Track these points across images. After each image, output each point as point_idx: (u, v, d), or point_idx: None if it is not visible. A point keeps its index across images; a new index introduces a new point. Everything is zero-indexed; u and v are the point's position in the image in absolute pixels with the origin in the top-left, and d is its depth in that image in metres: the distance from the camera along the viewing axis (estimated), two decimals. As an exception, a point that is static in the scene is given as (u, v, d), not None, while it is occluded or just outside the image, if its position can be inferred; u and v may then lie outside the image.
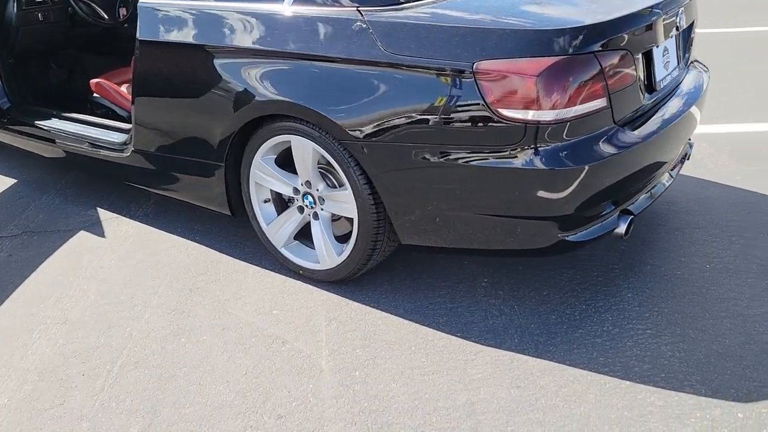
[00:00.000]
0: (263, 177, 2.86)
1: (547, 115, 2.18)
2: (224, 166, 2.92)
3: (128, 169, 3.35)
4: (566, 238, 2.35)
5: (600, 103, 2.26)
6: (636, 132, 2.42)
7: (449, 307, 2.68)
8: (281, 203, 3.02)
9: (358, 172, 2.53)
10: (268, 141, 2.75)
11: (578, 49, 2.18)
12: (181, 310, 2.74)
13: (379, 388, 2.26)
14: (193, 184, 3.09)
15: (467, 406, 2.16)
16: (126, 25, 4.42)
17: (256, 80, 2.63)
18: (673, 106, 2.70)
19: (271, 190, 2.95)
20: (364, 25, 2.39)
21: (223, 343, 2.53)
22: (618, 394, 2.18)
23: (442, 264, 2.97)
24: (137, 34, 3.00)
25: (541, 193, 2.25)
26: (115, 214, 3.59)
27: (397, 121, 2.35)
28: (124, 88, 3.89)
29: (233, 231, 3.35)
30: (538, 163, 2.22)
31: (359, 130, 2.43)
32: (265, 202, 2.97)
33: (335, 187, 2.78)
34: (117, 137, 3.46)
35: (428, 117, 2.30)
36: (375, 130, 2.40)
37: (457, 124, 2.27)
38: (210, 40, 2.74)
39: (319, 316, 2.66)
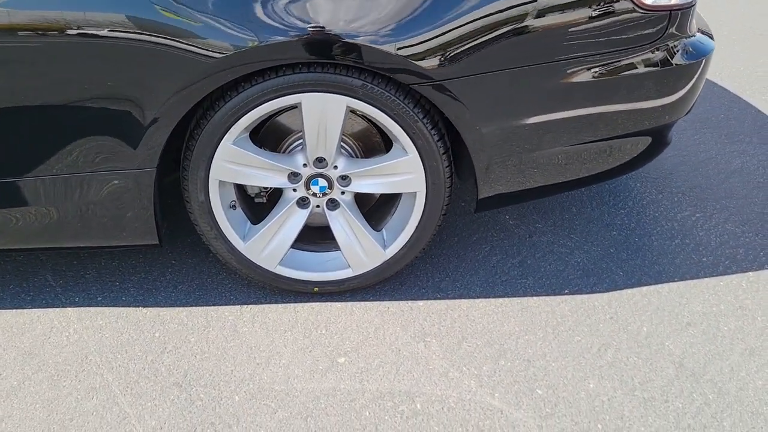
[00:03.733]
0: (236, 170, 1.78)
1: (685, -2, 1.75)
2: (155, 171, 1.73)
3: None
4: (666, 140, 2.03)
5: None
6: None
7: (516, 263, 2.16)
8: (249, 204, 1.98)
9: (430, 126, 1.73)
10: (252, 112, 1.69)
11: None
12: (210, 424, 1.62)
13: (603, 401, 1.70)
14: (81, 213, 1.78)
15: (692, 375, 1.77)
16: None
17: (244, 11, 1.53)
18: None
19: (236, 187, 1.88)
20: None
21: (335, 441, 1.59)
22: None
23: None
24: None
25: (672, 97, 1.85)
26: None
27: (494, 39, 1.63)
28: None
29: (129, 265, 2.11)
30: (680, 60, 1.80)
31: (440, 63, 1.62)
32: (231, 207, 1.89)
33: (357, 157, 1.91)
34: None
35: (540, 24, 1.64)
36: (464, 59, 1.63)
37: (582, 27, 1.67)
38: None
39: (403, 340, 1.87)
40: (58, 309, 1.96)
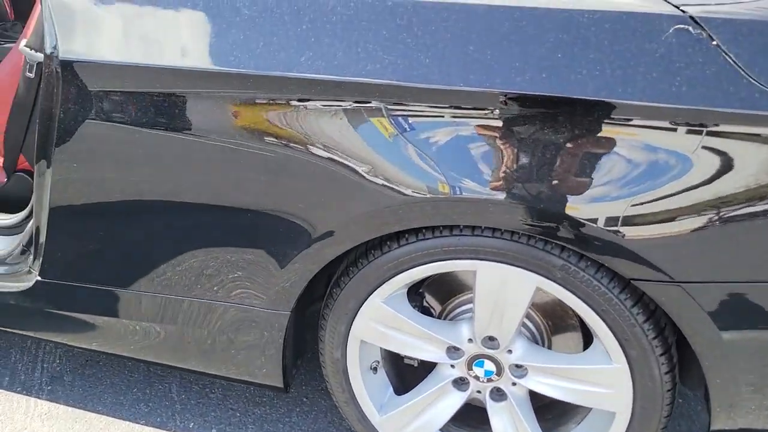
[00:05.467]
0: (382, 332, 1.42)
1: None
2: (289, 315, 1.43)
3: (31, 312, 1.66)
4: None
5: None
6: None
7: None
8: (396, 363, 1.61)
9: (652, 334, 1.23)
10: (412, 271, 1.32)
11: None
12: None
13: None
14: (206, 340, 1.54)
15: None
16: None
17: (425, 154, 1.19)
18: None
19: (382, 350, 1.52)
20: (701, 33, 1.07)
21: None
22: None
23: None
24: (52, 46, 1.35)
25: None
26: (-7, 388, 1.86)
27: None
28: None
29: (257, 392, 1.84)
30: None
31: (686, 256, 1.13)
32: (372, 369, 1.53)
33: (542, 342, 1.45)
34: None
35: None
36: (725, 255, 1.12)
37: None
38: (302, 67, 1.21)
39: None
40: (163, 432, 1.73)
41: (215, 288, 1.45)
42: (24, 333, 1.75)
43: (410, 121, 1.18)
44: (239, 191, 1.34)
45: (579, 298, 1.23)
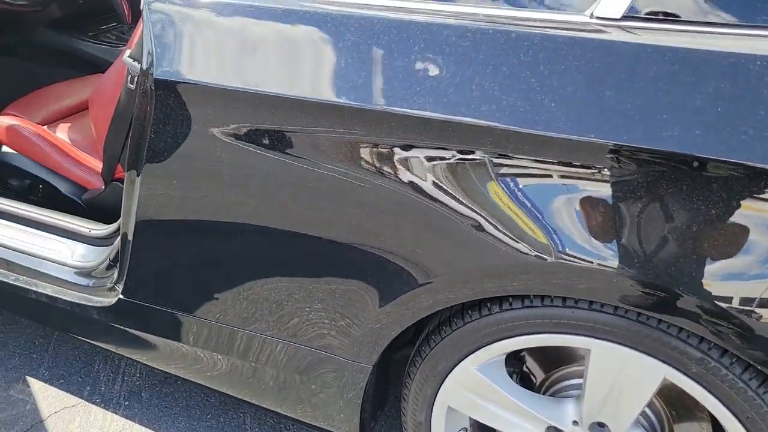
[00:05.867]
0: (473, 401, 1.25)
1: None
2: (371, 370, 1.30)
3: (111, 328, 1.62)
4: None
5: None
6: None
7: None
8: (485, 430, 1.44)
9: (812, 452, 1.00)
10: (511, 340, 1.15)
11: None
12: None
13: None
14: (287, 384, 1.44)
15: None
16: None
17: (540, 212, 1.02)
18: None
19: (471, 420, 1.35)
20: None
21: None
22: None
23: None
24: (148, 62, 1.28)
25: None
26: (75, 398, 1.84)
27: None
28: (63, 135, 2.09)
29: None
30: None
31: None
32: (459, 437, 1.37)
33: (661, 434, 1.24)
34: (78, 253, 1.71)
35: None
36: None
37: None
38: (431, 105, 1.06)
39: None
40: (237, 468, 1.64)
41: (297, 328, 1.34)
42: (104, 347, 1.72)
43: (524, 175, 1.02)
44: (335, 227, 1.21)
45: (717, 399, 1.02)
